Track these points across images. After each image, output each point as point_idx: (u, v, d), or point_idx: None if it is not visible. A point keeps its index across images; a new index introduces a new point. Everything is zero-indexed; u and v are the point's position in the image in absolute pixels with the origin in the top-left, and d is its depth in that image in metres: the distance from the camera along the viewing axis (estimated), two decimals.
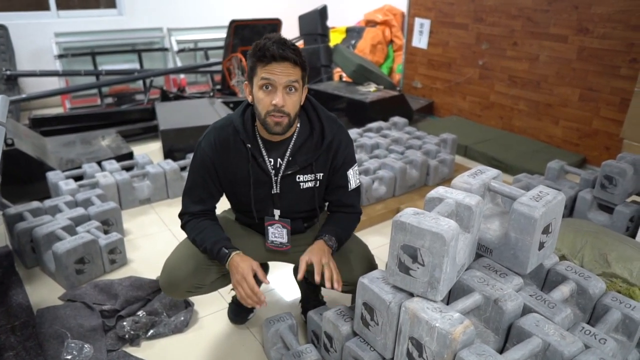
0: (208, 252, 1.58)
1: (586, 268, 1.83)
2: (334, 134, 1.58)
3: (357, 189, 1.68)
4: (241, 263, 1.52)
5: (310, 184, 1.61)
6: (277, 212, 1.66)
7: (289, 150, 1.56)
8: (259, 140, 1.57)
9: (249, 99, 1.53)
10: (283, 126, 1.47)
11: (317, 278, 1.48)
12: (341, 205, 1.68)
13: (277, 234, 1.69)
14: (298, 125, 1.58)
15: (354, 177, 1.65)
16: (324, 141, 1.57)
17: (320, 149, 1.57)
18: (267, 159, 1.57)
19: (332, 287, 1.50)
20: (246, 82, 1.53)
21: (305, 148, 1.57)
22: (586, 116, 3.77)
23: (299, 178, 1.60)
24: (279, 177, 1.59)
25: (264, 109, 1.46)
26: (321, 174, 1.61)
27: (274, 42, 1.41)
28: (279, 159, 1.58)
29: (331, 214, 1.72)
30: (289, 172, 1.58)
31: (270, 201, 1.64)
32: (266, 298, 1.65)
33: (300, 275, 1.51)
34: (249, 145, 1.55)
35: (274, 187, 1.60)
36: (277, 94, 1.43)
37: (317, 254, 1.52)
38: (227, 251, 1.55)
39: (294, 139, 1.57)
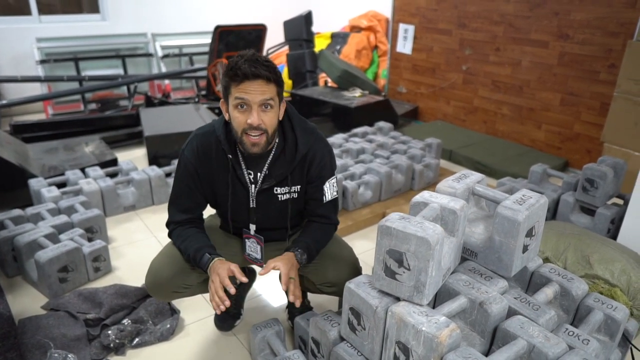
0: (191, 259, 1.58)
1: (569, 270, 1.86)
2: (308, 147, 1.56)
3: (333, 201, 1.66)
4: (220, 265, 1.51)
5: (287, 196, 1.61)
6: (252, 227, 1.66)
7: (267, 164, 1.56)
8: (239, 154, 1.56)
9: (226, 116, 1.51)
10: (261, 146, 1.47)
11: (283, 287, 1.49)
12: (315, 215, 1.66)
13: (253, 248, 1.69)
14: (277, 139, 1.57)
15: (329, 190, 1.63)
16: (297, 154, 1.55)
17: (294, 162, 1.55)
18: (246, 171, 1.57)
19: (292, 303, 1.53)
20: (222, 100, 1.51)
21: (280, 161, 1.56)
22: (568, 120, 3.84)
23: (276, 190, 1.59)
24: (256, 191, 1.58)
25: (239, 127, 1.45)
26: (298, 187, 1.61)
27: (245, 60, 1.39)
28: (258, 173, 1.57)
29: (307, 222, 1.70)
30: (266, 186, 1.57)
31: (246, 215, 1.63)
32: (252, 304, 1.65)
33: (283, 286, 1.49)
34: (230, 156, 1.55)
35: (251, 201, 1.60)
36: (252, 113, 1.41)
37: (286, 265, 1.50)
38: (209, 256, 1.55)
39: (272, 153, 1.56)
